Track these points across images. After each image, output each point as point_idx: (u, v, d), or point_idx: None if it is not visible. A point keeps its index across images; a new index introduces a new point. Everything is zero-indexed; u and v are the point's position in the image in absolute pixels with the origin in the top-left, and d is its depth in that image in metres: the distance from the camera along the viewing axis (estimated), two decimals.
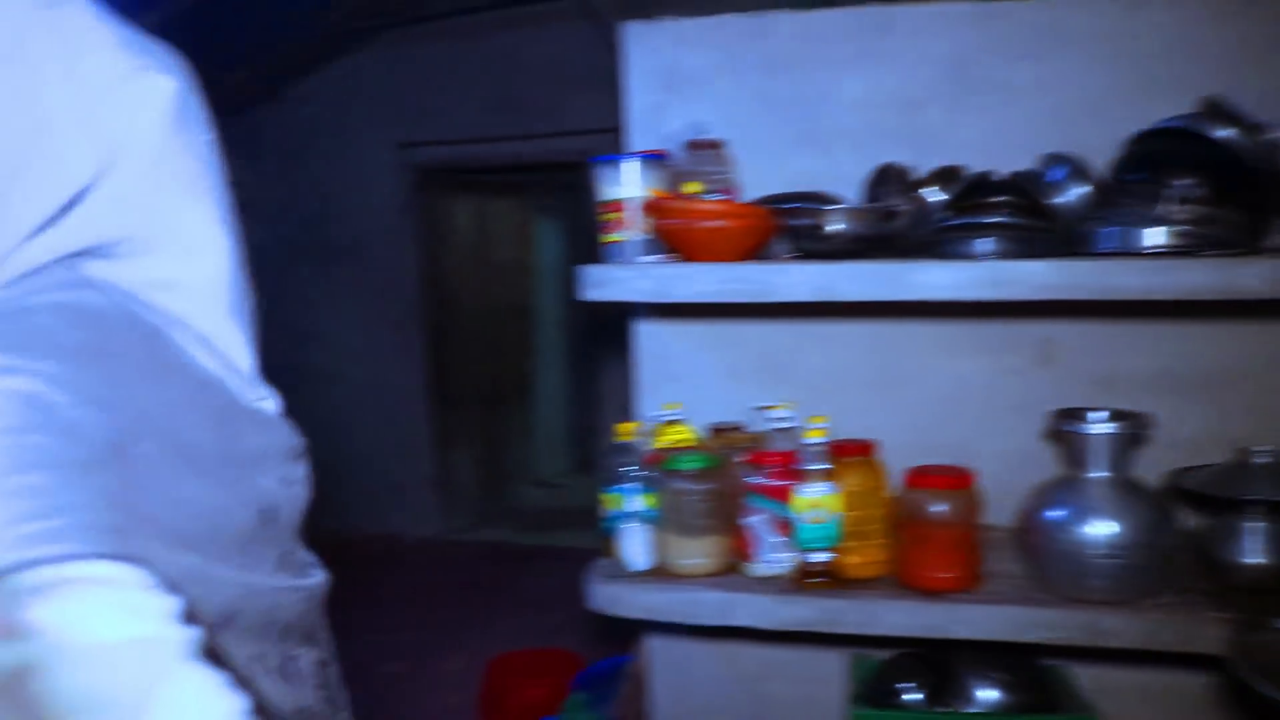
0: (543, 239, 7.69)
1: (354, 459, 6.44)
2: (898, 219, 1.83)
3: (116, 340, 0.74)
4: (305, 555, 0.95)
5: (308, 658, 0.90)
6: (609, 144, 2.24)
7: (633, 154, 1.87)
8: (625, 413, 2.23)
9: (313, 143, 6.38)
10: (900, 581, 1.78)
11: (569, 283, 7.76)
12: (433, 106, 6.13)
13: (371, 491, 6.42)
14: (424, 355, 6.35)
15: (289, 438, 0.94)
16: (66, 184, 0.73)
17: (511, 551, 6.14)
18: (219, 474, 0.78)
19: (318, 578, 0.94)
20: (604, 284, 1.75)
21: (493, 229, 6.99)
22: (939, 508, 1.71)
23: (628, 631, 2.34)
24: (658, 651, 2.37)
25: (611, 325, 5.59)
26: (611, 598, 1.86)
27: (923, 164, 1.94)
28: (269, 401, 0.93)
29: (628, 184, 1.82)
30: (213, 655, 0.68)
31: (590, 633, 4.29)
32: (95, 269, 0.77)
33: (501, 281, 7.09)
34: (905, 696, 1.88)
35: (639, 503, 1.86)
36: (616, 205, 1.83)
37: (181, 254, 0.84)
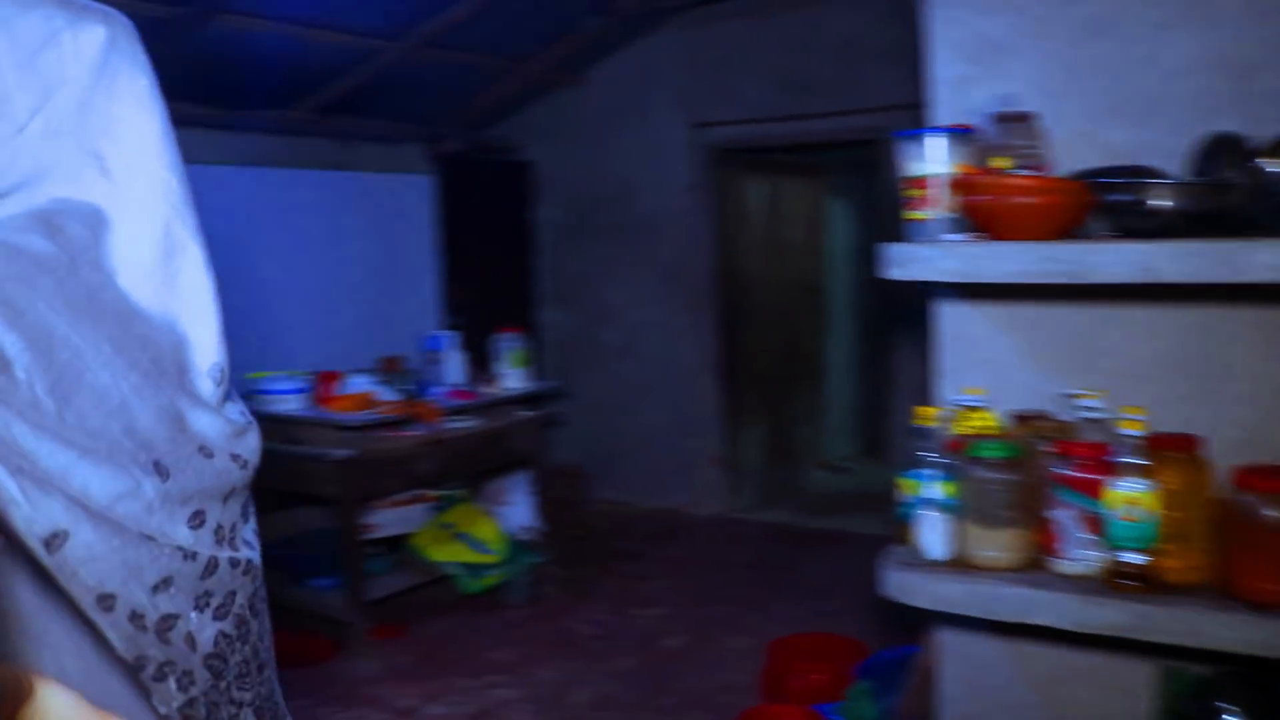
0: (834, 218, 7.59)
1: (643, 434, 6.58)
2: (1232, 194, 1.67)
3: (43, 280, 0.78)
4: (236, 528, 0.94)
5: (206, 630, 0.88)
6: (903, 120, 2.16)
7: (938, 128, 1.80)
8: (918, 396, 2.16)
9: (611, 124, 6.54)
10: (1225, 591, 1.63)
11: (860, 262, 7.67)
12: (726, 86, 6.15)
13: (659, 467, 6.54)
14: (715, 333, 6.40)
15: (229, 415, 0.94)
16: (11, 120, 0.80)
17: (795, 533, 6.11)
18: (114, 419, 0.80)
19: (240, 554, 0.93)
20: (908, 262, 1.69)
21: (784, 208, 6.95)
22: (1275, 512, 1.56)
23: (914, 622, 2.27)
24: (948, 645, 2.28)
25: (905, 305, 5.48)
26: (905, 586, 1.81)
27: (1261, 133, 1.77)
28: (210, 358, 0.93)
29: (933, 160, 1.75)
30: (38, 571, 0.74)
31: (872, 620, 4.21)
32: (60, 224, 0.82)
33: (792, 260, 7.04)
34: (1226, 719, 1.72)
35: (938, 490, 1.79)
36: (921, 182, 1.76)
37: (111, 181, 0.87)
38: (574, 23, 5.76)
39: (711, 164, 6.32)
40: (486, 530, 4.90)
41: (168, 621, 0.83)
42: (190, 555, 0.84)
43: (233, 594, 0.90)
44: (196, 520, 0.86)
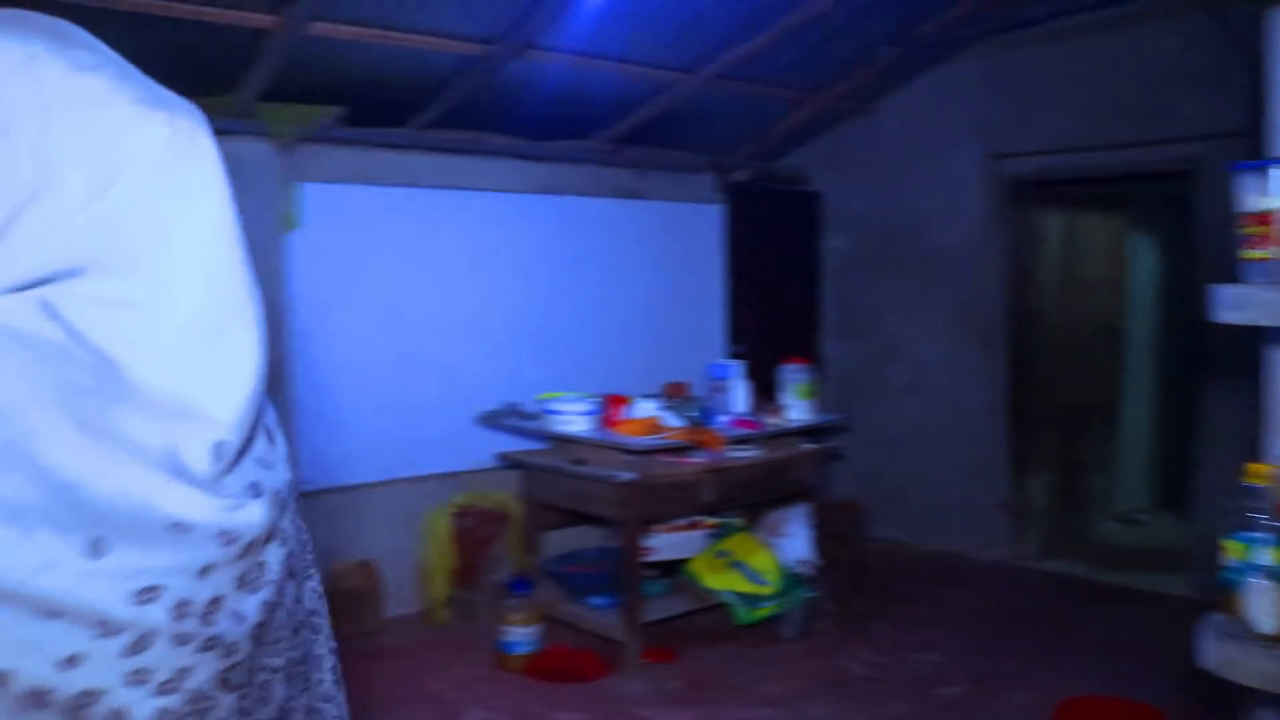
0: (1137, 255, 7.16)
1: (926, 473, 6.41)
2: None
3: (11, 357, 0.79)
4: (218, 602, 0.89)
5: (142, 706, 0.82)
6: (1224, 150, 2.00)
7: None
8: (1233, 448, 1.99)
9: (902, 155, 6.44)
10: None
11: (1165, 301, 7.20)
12: (1024, 116, 5.93)
13: (941, 508, 6.35)
14: (1005, 373, 6.16)
15: (226, 490, 0.91)
16: (65, 213, 0.82)
17: (1083, 587, 5.77)
18: (57, 495, 0.78)
19: (211, 630, 0.88)
20: (1244, 306, 1.56)
21: (1083, 243, 6.61)
22: None
23: (1229, 697, 2.09)
24: None
25: (1219, 350, 5.10)
26: (1227, 659, 1.66)
27: None
28: (216, 436, 0.90)
29: (1277, 194, 1.61)
30: None
31: (1170, 688, 3.93)
32: (66, 306, 0.83)
33: (1090, 299, 6.69)
34: None
35: (1270, 557, 1.63)
36: (1262, 217, 1.62)
37: (151, 272, 0.87)
38: (868, 53, 5.70)
39: (1007, 196, 6.11)
40: (763, 561, 4.89)
41: (86, 698, 0.81)
42: (113, 631, 0.81)
43: (186, 670, 0.86)
44: (147, 595, 0.82)
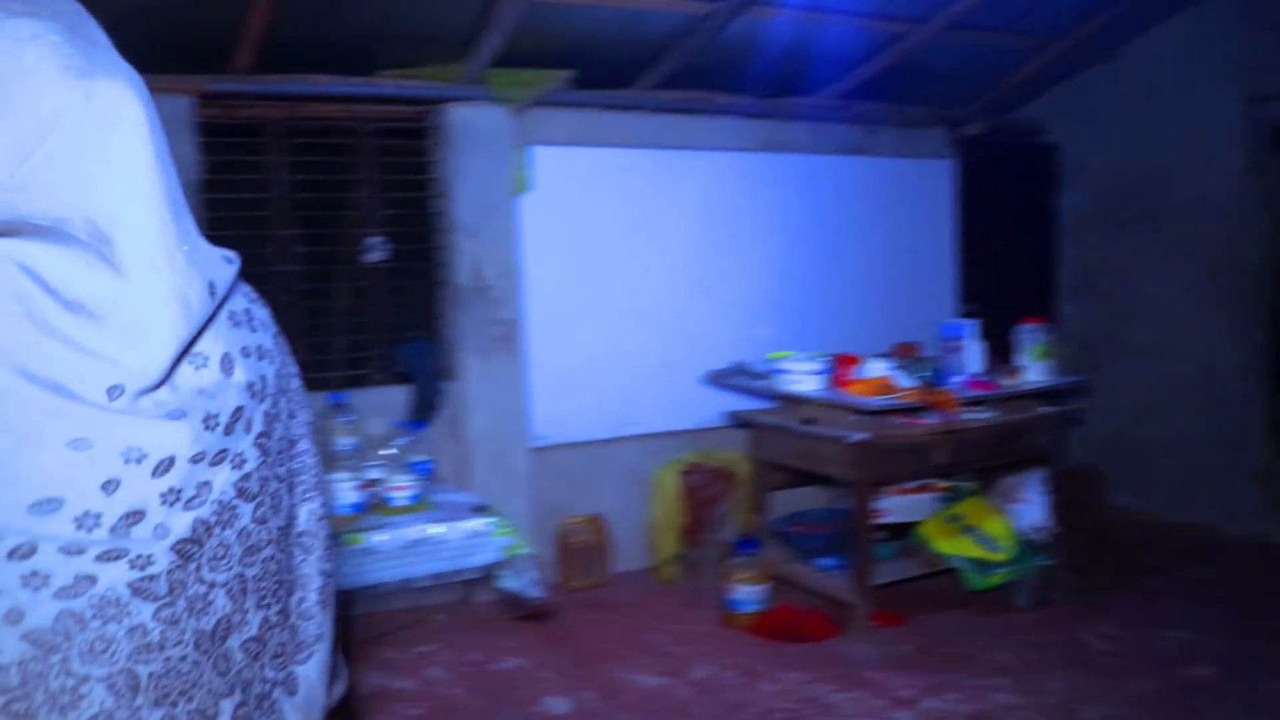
0: None
1: (1171, 440, 6.08)
2: None
3: None
4: (134, 517, 0.92)
5: (38, 609, 0.87)
6: None
7: None
8: None
9: (1148, 102, 6.06)
10: None
11: None
12: None
13: (1187, 477, 6.00)
14: (1263, 334, 5.75)
15: (137, 411, 0.92)
16: None
17: None
18: None
19: (115, 545, 0.91)
20: None
21: None
22: None
23: None
24: None
25: None
26: None
27: None
28: (113, 379, 0.92)
29: None
30: None
31: None
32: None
33: None
34: None
35: None
36: None
37: (71, 231, 0.90)
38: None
39: (1269, 143, 5.66)
40: (996, 526, 4.74)
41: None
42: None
43: (88, 577, 0.90)
44: (46, 506, 0.86)
